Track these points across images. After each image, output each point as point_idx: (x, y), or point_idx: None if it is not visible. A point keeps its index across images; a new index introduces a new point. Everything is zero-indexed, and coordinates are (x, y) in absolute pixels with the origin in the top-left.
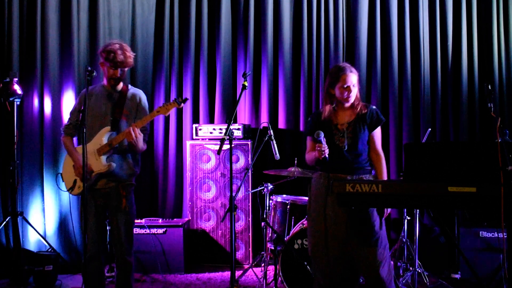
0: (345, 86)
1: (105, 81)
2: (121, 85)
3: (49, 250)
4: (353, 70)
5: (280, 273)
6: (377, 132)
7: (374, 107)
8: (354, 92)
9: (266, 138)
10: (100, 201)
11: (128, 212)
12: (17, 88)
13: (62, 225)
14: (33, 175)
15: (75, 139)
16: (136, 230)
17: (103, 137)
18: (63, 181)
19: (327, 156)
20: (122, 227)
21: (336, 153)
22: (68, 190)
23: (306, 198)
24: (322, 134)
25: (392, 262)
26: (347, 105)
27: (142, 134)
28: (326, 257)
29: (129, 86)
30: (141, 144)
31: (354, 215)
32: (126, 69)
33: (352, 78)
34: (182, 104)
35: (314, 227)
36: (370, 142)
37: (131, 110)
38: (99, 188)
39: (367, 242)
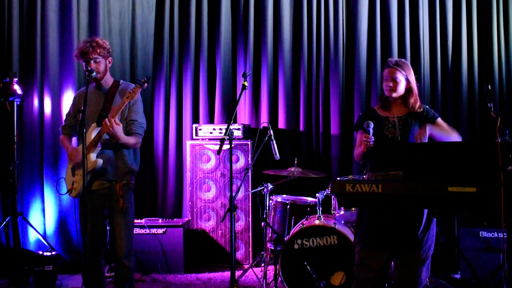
0: (385, 78)
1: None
2: (109, 80)
3: (49, 250)
4: (399, 66)
5: (280, 273)
6: (440, 122)
7: (428, 108)
8: (398, 87)
9: (266, 138)
10: (98, 203)
11: (127, 213)
12: (17, 88)
13: (62, 225)
14: (33, 175)
15: (74, 139)
16: (136, 230)
17: (91, 134)
18: (66, 185)
19: (370, 147)
20: (120, 228)
21: (386, 146)
22: (67, 193)
23: (306, 198)
24: (371, 125)
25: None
26: (393, 98)
27: (120, 124)
28: (380, 257)
29: (121, 81)
30: (121, 135)
31: (400, 214)
32: (99, 60)
33: (392, 72)
34: (145, 84)
35: (365, 226)
36: (440, 132)
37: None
38: (96, 189)
39: (410, 243)
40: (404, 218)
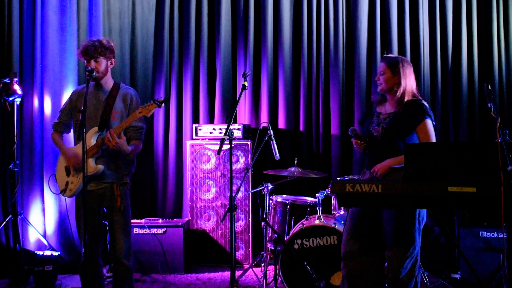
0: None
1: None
2: (109, 82)
3: (49, 250)
4: (386, 58)
5: (280, 273)
6: (422, 129)
7: (422, 102)
8: (383, 81)
9: (266, 138)
10: (95, 203)
11: (124, 212)
12: (17, 88)
13: (62, 225)
14: (33, 175)
15: (65, 135)
16: (136, 230)
17: (91, 138)
18: (56, 183)
19: (361, 150)
20: (118, 228)
21: (373, 144)
22: (60, 193)
23: (306, 198)
24: (356, 131)
25: (417, 262)
26: (385, 93)
27: (124, 138)
28: (358, 254)
29: (121, 84)
30: (125, 147)
31: (385, 213)
32: (99, 60)
33: (379, 66)
34: (163, 105)
35: (350, 224)
36: (419, 139)
37: (123, 110)
38: (92, 189)
39: (393, 241)
40: (377, 216)
